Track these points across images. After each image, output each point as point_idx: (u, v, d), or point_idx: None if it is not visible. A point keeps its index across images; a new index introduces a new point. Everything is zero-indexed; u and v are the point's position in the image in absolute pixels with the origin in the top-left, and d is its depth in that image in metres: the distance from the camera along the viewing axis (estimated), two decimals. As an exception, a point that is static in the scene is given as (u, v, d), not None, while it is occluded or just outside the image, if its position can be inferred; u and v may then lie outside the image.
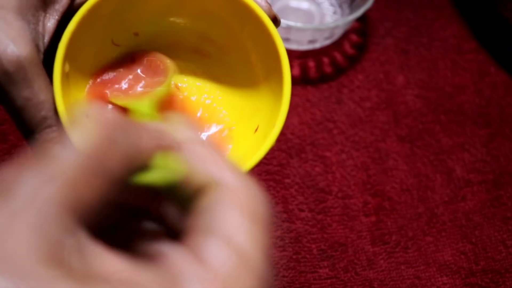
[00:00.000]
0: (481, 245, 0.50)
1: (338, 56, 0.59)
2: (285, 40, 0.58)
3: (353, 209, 0.51)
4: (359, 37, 0.60)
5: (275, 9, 0.61)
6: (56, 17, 0.32)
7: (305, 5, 0.61)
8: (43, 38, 0.31)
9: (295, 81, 0.57)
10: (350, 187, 0.51)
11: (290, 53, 0.59)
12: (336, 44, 0.59)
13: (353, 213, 0.50)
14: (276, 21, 0.33)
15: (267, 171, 0.52)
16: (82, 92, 0.35)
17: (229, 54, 0.37)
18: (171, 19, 0.36)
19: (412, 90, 0.57)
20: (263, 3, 0.33)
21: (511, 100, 0.57)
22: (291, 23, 0.53)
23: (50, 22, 0.32)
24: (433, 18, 0.62)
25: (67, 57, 0.31)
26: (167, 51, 0.37)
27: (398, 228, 0.50)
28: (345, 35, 0.60)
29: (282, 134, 0.54)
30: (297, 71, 0.58)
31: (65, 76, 0.32)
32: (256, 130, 0.35)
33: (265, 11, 0.33)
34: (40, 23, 0.31)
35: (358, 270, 0.48)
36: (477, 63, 0.59)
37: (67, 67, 0.32)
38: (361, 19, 0.61)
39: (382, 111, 0.56)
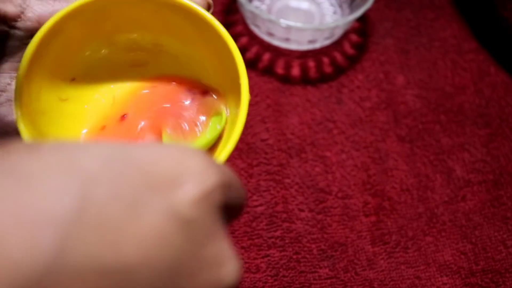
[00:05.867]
0: (481, 245, 0.50)
1: (338, 56, 0.59)
2: (285, 40, 0.58)
3: (353, 209, 0.51)
4: (359, 37, 0.60)
5: (275, 9, 0.61)
6: None
7: (305, 5, 0.61)
8: None
9: (295, 81, 0.57)
10: (350, 187, 0.52)
11: (290, 53, 0.59)
12: (336, 44, 0.59)
13: (353, 213, 0.50)
14: (209, 8, 0.33)
15: (267, 171, 0.52)
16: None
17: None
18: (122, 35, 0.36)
19: (412, 90, 0.57)
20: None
21: (511, 100, 0.57)
22: (291, 23, 0.53)
23: None
24: (433, 18, 0.62)
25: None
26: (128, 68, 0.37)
27: (398, 228, 0.50)
28: (345, 35, 0.60)
29: (282, 134, 0.54)
30: (297, 71, 0.58)
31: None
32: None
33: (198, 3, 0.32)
34: None
35: (358, 270, 0.48)
36: (477, 63, 0.59)
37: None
38: (361, 19, 0.61)
39: (382, 111, 0.56)
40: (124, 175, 0.18)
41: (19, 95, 0.31)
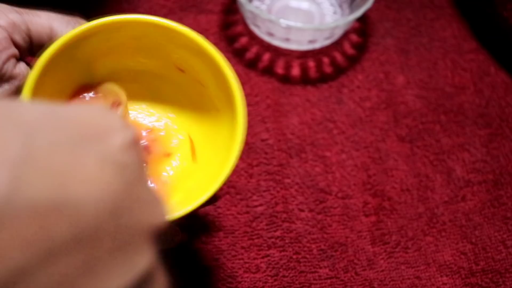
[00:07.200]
0: (481, 245, 0.50)
1: (338, 56, 0.59)
2: (285, 40, 0.58)
3: (353, 209, 0.51)
4: (359, 37, 0.60)
5: (275, 9, 0.61)
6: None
7: (305, 5, 0.61)
8: None
9: (295, 81, 0.57)
10: (350, 187, 0.52)
11: (290, 53, 0.59)
12: (336, 44, 0.59)
13: (353, 213, 0.50)
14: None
15: (267, 171, 0.52)
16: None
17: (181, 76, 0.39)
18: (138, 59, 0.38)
19: (412, 90, 0.57)
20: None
21: (511, 100, 0.57)
22: (291, 23, 0.53)
23: None
24: (433, 18, 0.62)
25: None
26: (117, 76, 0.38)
27: (398, 228, 0.50)
28: (345, 35, 0.60)
29: (282, 134, 0.54)
30: (297, 71, 0.58)
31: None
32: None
33: None
34: None
35: (358, 270, 0.48)
36: (477, 63, 0.59)
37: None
38: (361, 19, 0.61)
39: (382, 111, 0.56)
40: (61, 127, 0.21)
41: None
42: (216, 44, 0.43)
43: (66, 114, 0.22)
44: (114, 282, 0.20)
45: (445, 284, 0.48)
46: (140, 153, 0.23)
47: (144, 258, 0.21)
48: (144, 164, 0.24)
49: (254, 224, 0.49)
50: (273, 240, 0.49)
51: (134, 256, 0.21)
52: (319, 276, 0.48)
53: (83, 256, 0.19)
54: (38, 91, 0.33)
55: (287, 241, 0.49)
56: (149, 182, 0.24)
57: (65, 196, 0.19)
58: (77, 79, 0.37)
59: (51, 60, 0.33)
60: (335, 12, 0.61)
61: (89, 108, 0.23)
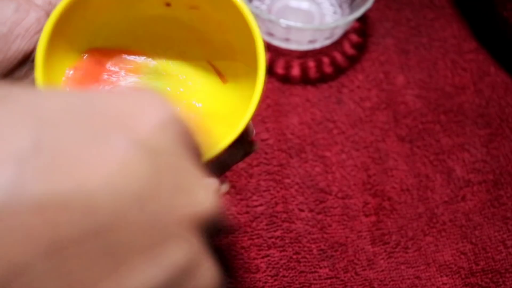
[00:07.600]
0: (481, 245, 0.50)
1: (338, 56, 0.59)
2: (285, 40, 0.58)
3: (353, 209, 0.51)
4: (359, 37, 0.60)
5: (275, 9, 0.61)
6: None
7: (305, 5, 0.61)
8: None
9: (295, 81, 0.57)
10: (350, 187, 0.52)
11: (290, 53, 0.59)
12: (336, 44, 0.59)
13: (353, 213, 0.50)
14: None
15: (267, 171, 0.52)
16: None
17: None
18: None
19: (412, 90, 0.57)
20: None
21: (511, 100, 0.57)
22: (291, 23, 0.53)
23: None
24: (433, 18, 0.62)
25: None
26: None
27: (398, 228, 0.50)
28: (345, 35, 0.60)
29: (282, 134, 0.54)
30: (297, 71, 0.58)
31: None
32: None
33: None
34: None
35: (358, 270, 0.48)
36: (477, 63, 0.59)
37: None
38: (361, 19, 0.61)
39: (382, 111, 0.56)
40: (83, 117, 0.19)
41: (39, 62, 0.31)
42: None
43: (93, 101, 0.20)
44: (142, 277, 0.19)
45: (445, 284, 0.48)
46: (177, 133, 0.20)
47: (181, 250, 0.19)
48: (191, 143, 0.21)
49: (254, 224, 0.49)
50: (273, 240, 0.49)
51: (167, 248, 0.19)
52: (319, 276, 0.48)
53: (101, 250, 0.18)
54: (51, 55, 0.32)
55: (287, 241, 0.49)
56: (196, 165, 0.21)
57: (76, 187, 0.17)
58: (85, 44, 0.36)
59: (57, 25, 0.32)
60: (335, 12, 0.61)
61: (123, 93, 0.21)
